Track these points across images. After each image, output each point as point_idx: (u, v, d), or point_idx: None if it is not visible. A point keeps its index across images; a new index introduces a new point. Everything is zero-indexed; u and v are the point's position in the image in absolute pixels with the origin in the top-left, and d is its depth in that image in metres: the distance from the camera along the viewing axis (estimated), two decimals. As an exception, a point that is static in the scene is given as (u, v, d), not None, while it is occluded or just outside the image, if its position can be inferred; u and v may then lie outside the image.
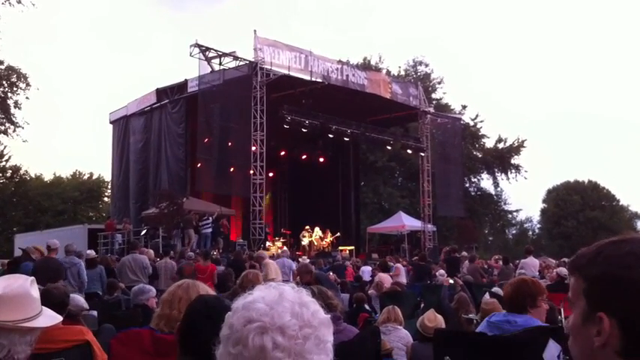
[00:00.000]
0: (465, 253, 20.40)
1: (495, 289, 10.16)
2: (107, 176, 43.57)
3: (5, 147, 41.00)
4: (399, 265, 17.39)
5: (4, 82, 30.85)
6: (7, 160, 42.97)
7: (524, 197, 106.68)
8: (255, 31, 23.70)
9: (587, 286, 1.24)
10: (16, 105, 31.20)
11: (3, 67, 30.59)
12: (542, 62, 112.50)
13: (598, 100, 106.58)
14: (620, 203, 58.50)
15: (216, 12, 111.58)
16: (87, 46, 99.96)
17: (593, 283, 1.23)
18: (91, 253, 13.11)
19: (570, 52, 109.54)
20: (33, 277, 2.54)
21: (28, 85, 31.12)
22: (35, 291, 2.47)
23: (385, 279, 13.27)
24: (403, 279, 15.72)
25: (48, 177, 50.67)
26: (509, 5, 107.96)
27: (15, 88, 31.07)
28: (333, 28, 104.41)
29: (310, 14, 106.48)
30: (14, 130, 31.76)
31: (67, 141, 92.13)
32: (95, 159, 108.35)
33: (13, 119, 31.45)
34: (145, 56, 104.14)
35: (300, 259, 16.57)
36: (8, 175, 44.01)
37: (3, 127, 31.75)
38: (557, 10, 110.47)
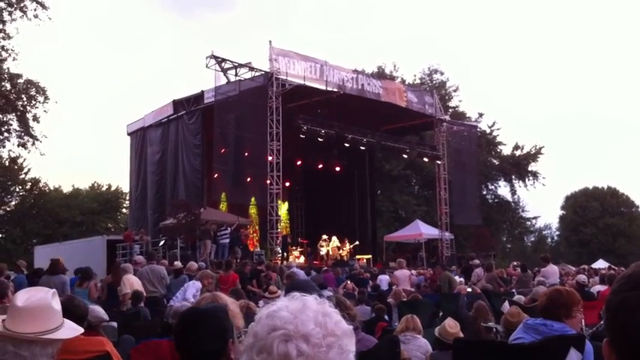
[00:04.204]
0: (477, 261, 20.20)
1: (515, 298, 10.08)
2: (125, 187, 43.85)
3: (24, 160, 41.47)
4: (397, 272, 16.66)
5: (22, 96, 31.07)
6: (26, 173, 43.50)
7: (542, 204, 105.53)
8: (270, 41, 23.91)
9: None
10: (35, 118, 31.43)
11: (22, 80, 30.82)
12: (551, 62, 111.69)
13: (616, 103, 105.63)
14: (640, 210, 57.84)
15: (219, 17, 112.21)
16: (92, 52, 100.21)
17: None
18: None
19: (587, 54, 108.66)
20: (54, 290, 2.56)
21: (46, 98, 31.33)
22: (57, 303, 2.48)
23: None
24: (407, 286, 15.43)
25: (67, 189, 51.15)
26: (510, 3, 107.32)
27: (33, 102, 31.28)
28: (332, 28, 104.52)
29: (310, 15, 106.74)
30: (33, 144, 31.99)
31: (85, 153, 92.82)
32: (111, 170, 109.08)
33: (32, 132, 31.67)
34: (154, 63, 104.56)
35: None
36: (28, 187, 44.47)
37: (22, 141, 31.97)
38: (567, 9, 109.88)
